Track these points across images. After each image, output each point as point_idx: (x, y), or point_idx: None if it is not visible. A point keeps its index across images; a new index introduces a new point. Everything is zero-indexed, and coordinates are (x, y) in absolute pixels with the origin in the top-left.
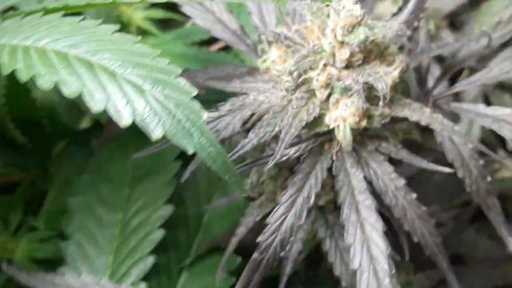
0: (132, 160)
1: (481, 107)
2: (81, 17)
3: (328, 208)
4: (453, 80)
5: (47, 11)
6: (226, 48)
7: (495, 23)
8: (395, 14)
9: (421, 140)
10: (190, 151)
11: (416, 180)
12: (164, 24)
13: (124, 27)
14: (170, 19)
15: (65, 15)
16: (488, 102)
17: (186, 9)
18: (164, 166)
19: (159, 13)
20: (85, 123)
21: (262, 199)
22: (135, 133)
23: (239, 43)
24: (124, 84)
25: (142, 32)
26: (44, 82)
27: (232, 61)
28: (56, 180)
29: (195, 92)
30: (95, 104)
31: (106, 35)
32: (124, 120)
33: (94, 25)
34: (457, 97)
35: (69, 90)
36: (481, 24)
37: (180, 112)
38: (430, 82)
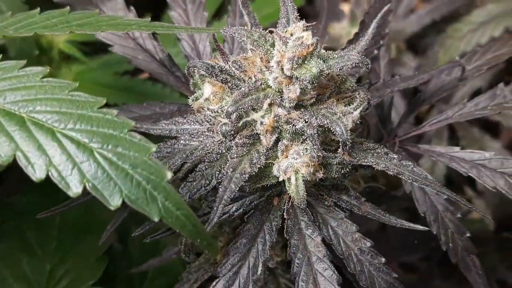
0: (56, 223)
1: (457, 150)
2: None
3: (279, 270)
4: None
5: None
6: None
7: (469, 50)
8: (351, 41)
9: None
10: (156, 218)
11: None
12: (91, 47)
13: (44, 51)
14: (96, 41)
15: None
16: (453, 134)
17: (102, 34)
18: (95, 233)
19: (84, 35)
20: None
21: (200, 261)
22: None
23: (167, 76)
24: (67, 143)
25: (65, 57)
26: None
27: (171, 95)
28: None
29: (153, 147)
30: (35, 171)
31: (33, 80)
32: (72, 188)
33: (16, 68)
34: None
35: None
36: (446, 48)
37: (138, 173)
38: (394, 119)
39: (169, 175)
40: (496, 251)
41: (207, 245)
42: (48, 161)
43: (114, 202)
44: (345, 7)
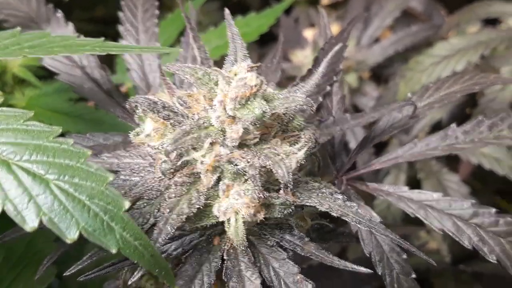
0: (0, 258)
1: (405, 190)
2: None
3: None
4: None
5: None
6: None
7: (423, 86)
8: (304, 77)
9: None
10: (113, 250)
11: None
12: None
13: None
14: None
15: None
16: (412, 167)
17: (48, 62)
18: (36, 267)
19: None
20: None
21: None
22: None
23: (114, 106)
24: (22, 176)
25: (20, 81)
26: None
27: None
28: None
29: (110, 177)
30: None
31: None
32: (29, 222)
33: None
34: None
35: None
36: (407, 80)
37: (96, 204)
38: (353, 147)
39: (127, 205)
40: (453, 281)
41: (165, 274)
42: (4, 195)
43: (71, 235)
44: (309, 34)
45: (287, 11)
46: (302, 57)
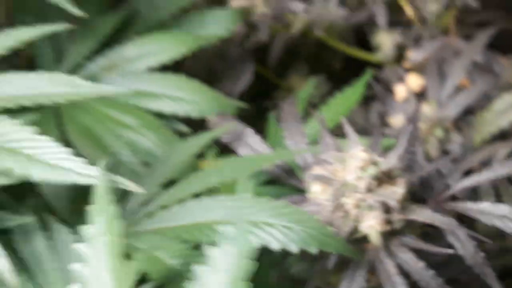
0: None
1: (470, 204)
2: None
3: None
4: None
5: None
6: None
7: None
8: (395, 147)
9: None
10: (334, 251)
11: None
12: None
13: None
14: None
15: None
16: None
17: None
18: None
19: None
20: None
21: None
22: None
23: (290, 179)
24: (280, 228)
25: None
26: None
27: None
28: None
29: (319, 218)
30: (259, 242)
31: (266, 204)
32: (275, 246)
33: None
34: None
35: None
36: (479, 131)
37: (317, 234)
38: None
39: (331, 228)
40: None
41: (349, 251)
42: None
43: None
44: (401, 92)
45: (378, 69)
46: (398, 120)
